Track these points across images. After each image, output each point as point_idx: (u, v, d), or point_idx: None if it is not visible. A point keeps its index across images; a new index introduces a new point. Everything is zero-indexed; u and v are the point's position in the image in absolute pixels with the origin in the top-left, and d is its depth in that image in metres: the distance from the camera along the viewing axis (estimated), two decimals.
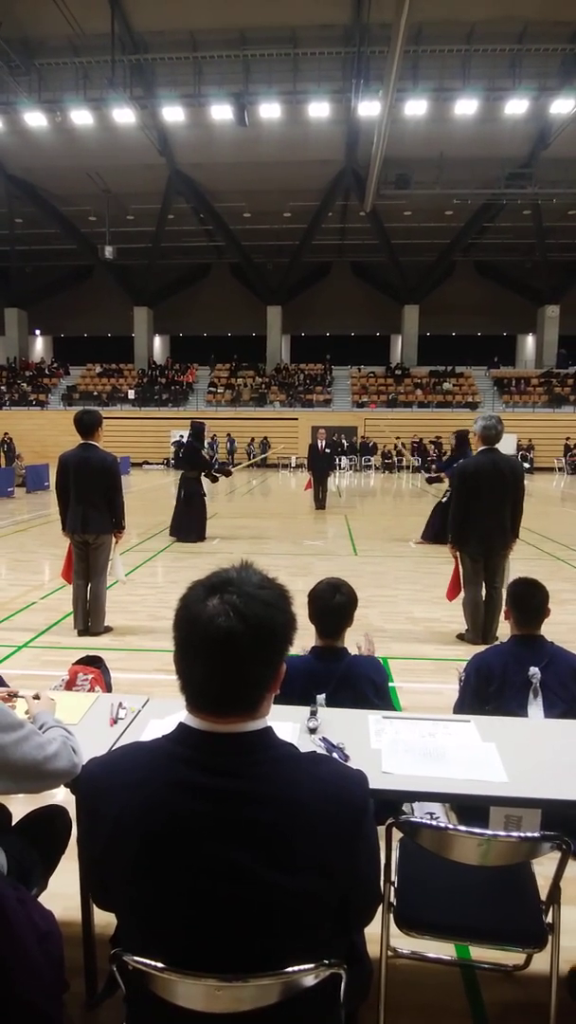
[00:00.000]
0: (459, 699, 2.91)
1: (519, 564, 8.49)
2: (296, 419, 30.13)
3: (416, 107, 22.39)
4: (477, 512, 5.21)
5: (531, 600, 2.79)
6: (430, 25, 20.46)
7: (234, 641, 1.12)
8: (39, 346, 39.69)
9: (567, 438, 28.28)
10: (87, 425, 5.48)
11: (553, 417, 29.68)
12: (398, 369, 33.50)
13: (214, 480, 10.33)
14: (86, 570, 5.59)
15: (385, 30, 16.53)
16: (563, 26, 20.91)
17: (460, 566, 5.46)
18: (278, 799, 1.14)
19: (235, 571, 1.21)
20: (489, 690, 2.67)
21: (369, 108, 21.65)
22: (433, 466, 10.02)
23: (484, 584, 5.37)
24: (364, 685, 2.55)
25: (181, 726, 1.20)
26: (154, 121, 24.66)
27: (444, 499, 9.80)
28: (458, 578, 5.49)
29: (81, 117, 23.36)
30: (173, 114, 23.73)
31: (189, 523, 10.11)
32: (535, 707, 2.58)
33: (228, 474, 10.42)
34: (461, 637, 5.56)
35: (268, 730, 1.20)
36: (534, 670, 2.62)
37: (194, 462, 10.25)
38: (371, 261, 34.49)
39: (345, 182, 28.30)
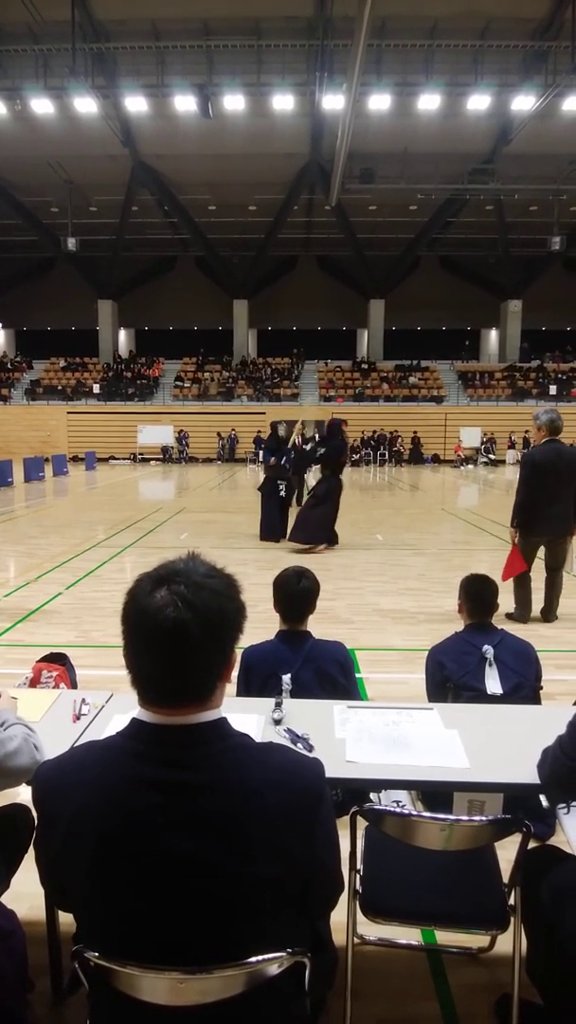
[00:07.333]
0: (426, 690, 3.08)
1: (484, 555, 8.67)
2: (263, 413, 30.07)
3: (380, 101, 22.46)
4: (542, 500, 5.45)
5: (484, 594, 3.08)
6: (393, 19, 20.51)
7: (184, 631, 1.11)
8: (1, 340, 38.90)
9: (527, 431, 28.73)
10: None
11: (516, 410, 30.10)
12: (364, 363, 33.65)
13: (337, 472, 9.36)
14: None
15: (349, 23, 16.53)
16: (524, 22, 21.17)
17: (518, 549, 5.60)
18: (233, 789, 1.13)
19: (182, 562, 1.20)
20: (445, 672, 2.91)
21: (333, 101, 21.68)
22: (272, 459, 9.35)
23: (545, 567, 5.70)
24: (329, 665, 2.75)
25: (134, 721, 1.19)
26: (116, 111, 24.29)
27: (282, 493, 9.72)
28: (515, 560, 5.58)
29: (41, 106, 22.89)
30: (136, 104, 23.40)
31: (325, 521, 9.13)
32: (492, 678, 2.84)
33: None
34: (510, 616, 5.70)
35: (222, 720, 1.19)
36: (487, 647, 2.90)
37: (338, 456, 9.21)
38: (337, 255, 34.51)
39: (310, 176, 28.25)
